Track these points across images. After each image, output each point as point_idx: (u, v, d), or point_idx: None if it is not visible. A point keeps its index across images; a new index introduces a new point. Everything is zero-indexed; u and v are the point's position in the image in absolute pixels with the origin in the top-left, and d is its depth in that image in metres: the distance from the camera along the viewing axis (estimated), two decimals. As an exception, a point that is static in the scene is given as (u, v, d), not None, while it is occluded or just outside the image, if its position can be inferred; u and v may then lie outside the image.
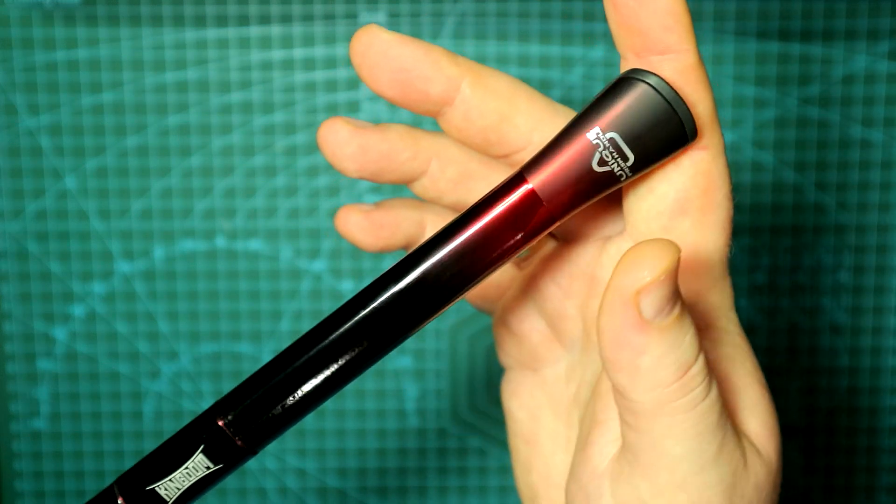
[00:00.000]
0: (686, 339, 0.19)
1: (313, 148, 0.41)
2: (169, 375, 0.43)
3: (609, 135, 0.20)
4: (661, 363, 0.19)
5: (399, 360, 0.43)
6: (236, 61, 0.41)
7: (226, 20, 0.41)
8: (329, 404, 0.43)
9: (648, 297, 0.18)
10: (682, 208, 0.21)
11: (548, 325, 0.26)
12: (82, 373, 0.43)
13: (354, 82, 0.41)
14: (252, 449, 0.21)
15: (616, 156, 0.20)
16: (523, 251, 0.22)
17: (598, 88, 0.40)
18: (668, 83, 0.19)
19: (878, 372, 0.43)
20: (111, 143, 0.41)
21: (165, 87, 0.41)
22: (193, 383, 0.43)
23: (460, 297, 0.22)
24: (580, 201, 0.21)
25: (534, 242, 0.21)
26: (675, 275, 0.18)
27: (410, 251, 0.22)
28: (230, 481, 0.44)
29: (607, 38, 0.41)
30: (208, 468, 0.21)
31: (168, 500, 0.22)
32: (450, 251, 0.21)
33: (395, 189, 0.41)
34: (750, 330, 0.43)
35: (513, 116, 0.23)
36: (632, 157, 0.20)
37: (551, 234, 0.26)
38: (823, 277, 0.42)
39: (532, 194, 0.20)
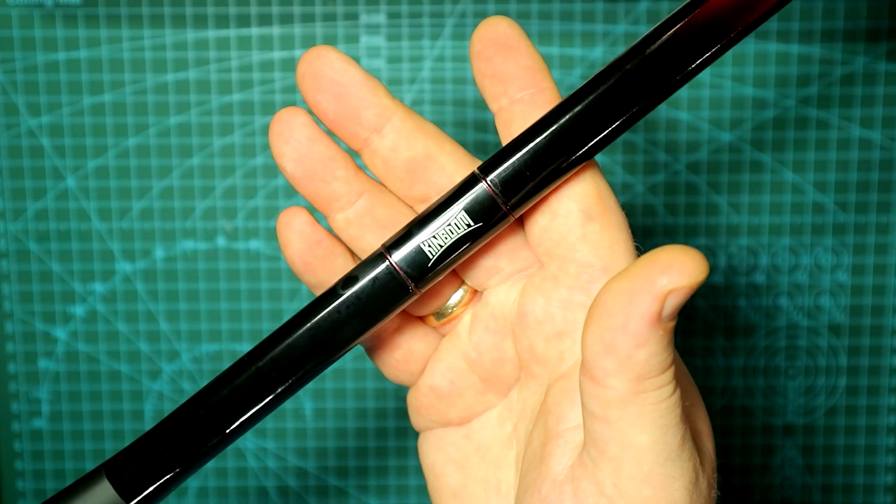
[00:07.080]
0: (671, 343, 0.21)
1: (314, 148, 0.41)
2: (170, 375, 0.43)
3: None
4: (651, 358, 0.20)
5: (399, 359, 0.43)
6: (237, 62, 0.41)
7: (227, 21, 0.41)
8: (330, 404, 0.43)
9: (675, 299, 0.20)
10: (588, 215, 0.24)
11: (481, 378, 0.27)
12: (83, 372, 0.43)
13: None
14: (511, 212, 0.24)
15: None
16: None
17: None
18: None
19: (877, 371, 0.43)
20: (112, 143, 0.41)
21: (166, 88, 0.41)
22: (194, 383, 0.43)
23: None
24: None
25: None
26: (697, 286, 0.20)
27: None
28: (231, 481, 0.44)
29: (607, 38, 0.41)
30: (469, 225, 0.24)
31: (431, 256, 0.24)
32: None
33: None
34: (750, 330, 0.43)
35: (438, 156, 0.25)
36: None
37: (469, 289, 0.27)
38: (823, 277, 0.42)
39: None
